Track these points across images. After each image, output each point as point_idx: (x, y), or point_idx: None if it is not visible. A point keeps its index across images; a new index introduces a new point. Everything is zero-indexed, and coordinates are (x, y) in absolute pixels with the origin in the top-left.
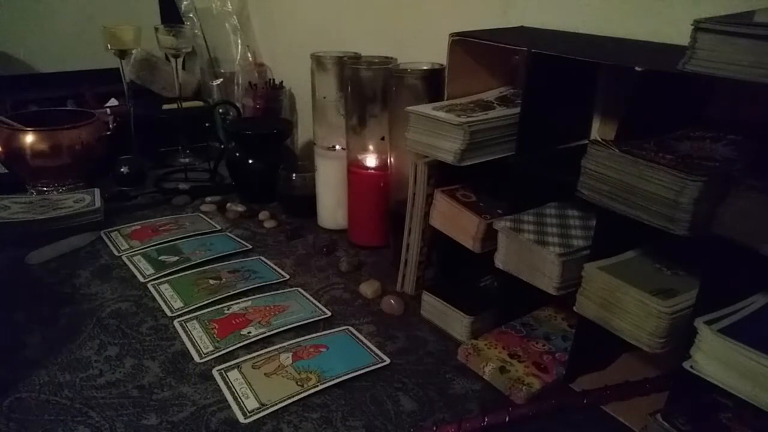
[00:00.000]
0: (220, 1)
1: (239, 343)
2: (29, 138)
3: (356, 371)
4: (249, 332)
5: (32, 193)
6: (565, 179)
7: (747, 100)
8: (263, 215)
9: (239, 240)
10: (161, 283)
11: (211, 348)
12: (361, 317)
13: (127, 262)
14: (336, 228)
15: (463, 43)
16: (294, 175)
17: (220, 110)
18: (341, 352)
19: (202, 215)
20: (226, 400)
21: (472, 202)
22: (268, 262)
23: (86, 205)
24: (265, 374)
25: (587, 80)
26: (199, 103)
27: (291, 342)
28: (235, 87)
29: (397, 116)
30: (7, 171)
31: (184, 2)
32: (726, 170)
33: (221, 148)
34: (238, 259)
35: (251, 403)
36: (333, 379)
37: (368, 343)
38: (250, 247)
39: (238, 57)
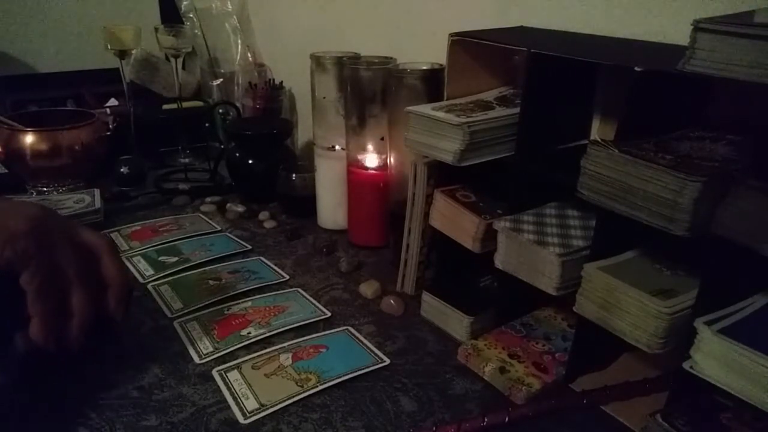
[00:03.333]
0: (220, 1)
1: (239, 343)
2: (29, 138)
3: (356, 371)
4: (249, 333)
5: (32, 193)
6: (565, 179)
7: (747, 100)
8: (263, 215)
9: (239, 240)
10: (161, 284)
11: (210, 349)
12: (360, 317)
13: (127, 263)
14: (336, 228)
15: (462, 43)
16: (294, 175)
17: (220, 110)
18: (341, 352)
19: (202, 215)
20: (226, 401)
21: (471, 202)
22: (268, 263)
23: (86, 206)
24: (264, 375)
25: (587, 80)
26: (199, 103)
27: (291, 342)
28: (235, 87)
29: (396, 116)
30: (7, 171)
31: (184, 2)
32: (726, 170)
33: (221, 148)
34: (238, 260)
35: (251, 404)
36: (333, 380)
37: (368, 344)
38: (250, 247)
39: (238, 57)
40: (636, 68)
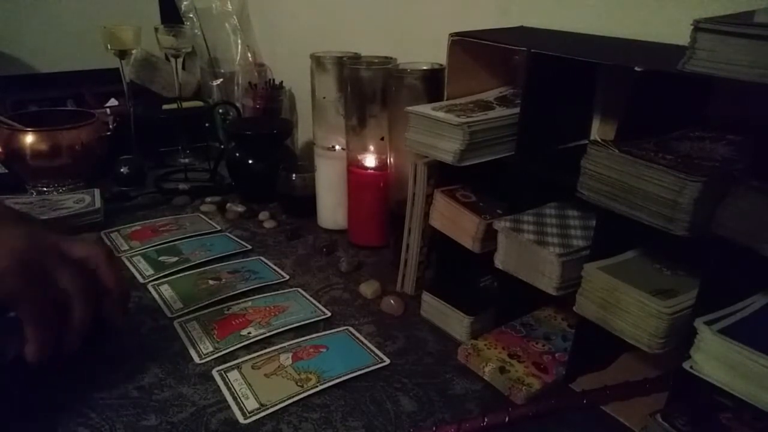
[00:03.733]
0: (220, 1)
1: (239, 343)
2: (29, 138)
3: (356, 371)
4: (249, 333)
5: (32, 193)
6: (565, 179)
7: (747, 100)
8: (263, 215)
9: (239, 240)
10: (161, 283)
11: (210, 349)
12: (360, 317)
13: (127, 263)
14: (336, 228)
15: (462, 43)
16: (294, 175)
17: (220, 110)
18: (341, 352)
19: (201, 215)
20: (226, 401)
21: (471, 202)
22: (268, 263)
23: (86, 206)
24: (264, 375)
25: (587, 80)
26: (199, 103)
27: (291, 342)
28: (235, 87)
29: (396, 116)
30: (7, 171)
31: (184, 2)
32: (726, 170)
33: (221, 148)
34: (238, 260)
35: (251, 404)
36: (333, 380)
37: (368, 344)
38: (250, 247)
39: (238, 57)
40: (636, 68)
